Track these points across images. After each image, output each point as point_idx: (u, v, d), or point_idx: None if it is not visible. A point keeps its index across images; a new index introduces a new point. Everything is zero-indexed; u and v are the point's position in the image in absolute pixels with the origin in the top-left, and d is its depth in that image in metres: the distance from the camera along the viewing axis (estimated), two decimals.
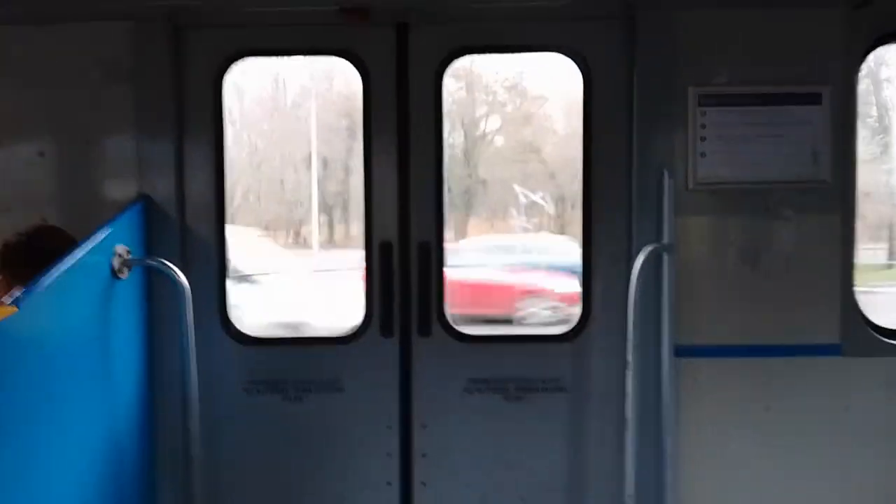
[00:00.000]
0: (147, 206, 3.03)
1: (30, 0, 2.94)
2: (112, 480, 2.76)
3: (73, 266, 2.48)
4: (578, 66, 3.14)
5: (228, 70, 3.15)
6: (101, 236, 2.68)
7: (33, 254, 2.70)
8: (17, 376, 2.18)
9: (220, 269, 3.18)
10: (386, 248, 3.15)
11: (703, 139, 3.03)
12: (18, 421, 2.20)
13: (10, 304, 2.19)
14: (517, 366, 3.18)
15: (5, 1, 2.92)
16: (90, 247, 2.61)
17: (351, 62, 3.16)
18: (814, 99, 3.01)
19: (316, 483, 3.20)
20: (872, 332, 3.12)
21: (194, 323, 2.89)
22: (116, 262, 2.75)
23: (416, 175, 3.16)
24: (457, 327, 3.20)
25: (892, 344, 3.11)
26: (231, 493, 3.19)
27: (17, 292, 2.34)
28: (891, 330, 3.16)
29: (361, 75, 3.16)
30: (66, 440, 2.47)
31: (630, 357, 2.94)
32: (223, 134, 3.17)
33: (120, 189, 3.03)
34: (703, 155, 3.03)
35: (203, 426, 2.96)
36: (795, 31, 2.99)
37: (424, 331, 3.16)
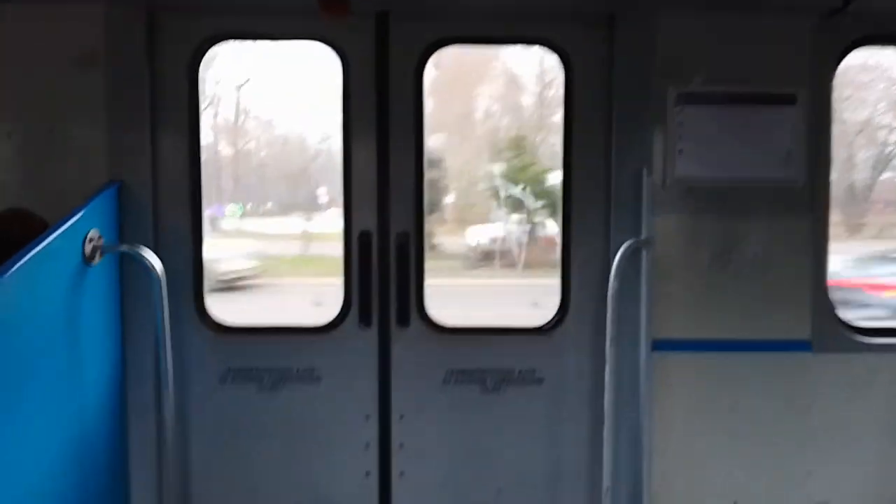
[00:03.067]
0: (120, 191, 2.98)
1: None
2: (82, 470, 2.72)
3: (43, 251, 2.44)
4: (561, 61, 3.16)
5: (205, 54, 3.11)
6: (72, 221, 2.63)
7: (2, 239, 2.65)
8: None
9: (195, 256, 3.14)
10: (365, 237, 3.14)
11: (680, 137, 3.05)
12: None
13: None
14: (495, 357, 3.20)
15: None
16: (61, 231, 2.56)
17: (331, 48, 3.13)
18: (788, 100, 3.04)
19: (293, 474, 3.19)
20: (843, 328, 3.19)
21: (169, 311, 2.86)
22: (88, 248, 2.71)
23: (395, 165, 3.15)
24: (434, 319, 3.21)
25: (862, 341, 3.18)
26: (205, 483, 3.17)
27: None
28: (862, 327, 3.23)
29: (341, 62, 3.13)
30: (31, 430, 2.43)
31: (608, 351, 2.98)
32: (199, 119, 3.12)
33: (91, 174, 2.96)
34: (680, 153, 3.05)
35: (177, 415, 2.94)
36: (771, 34, 3.02)
37: (403, 321, 3.16)
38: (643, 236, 2.99)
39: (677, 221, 3.07)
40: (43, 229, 2.62)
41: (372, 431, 3.19)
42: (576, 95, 3.15)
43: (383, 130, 3.14)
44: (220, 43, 3.13)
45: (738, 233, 3.08)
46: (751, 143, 3.05)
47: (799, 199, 3.07)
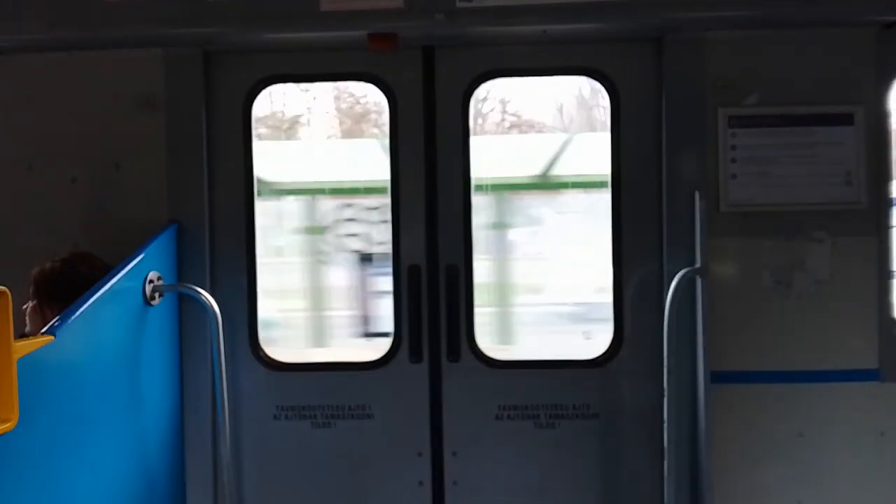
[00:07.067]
0: (178, 231, 3.06)
1: (63, 28, 2.98)
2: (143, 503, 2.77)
3: (106, 293, 2.51)
4: (606, 89, 3.14)
5: (257, 95, 3.18)
6: (133, 263, 2.71)
7: (67, 280, 2.74)
8: (51, 404, 2.21)
9: (249, 293, 3.19)
10: (414, 271, 3.15)
11: (733, 161, 2.99)
12: (51, 447, 2.22)
13: (45, 333, 2.23)
14: (548, 392, 3.14)
15: (39, 28, 2.97)
16: (123, 273, 2.64)
17: (378, 87, 3.18)
18: (845, 119, 2.97)
19: None
20: None
21: (224, 348, 2.91)
22: (149, 289, 2.78)
23: (443, 197, 3.16)
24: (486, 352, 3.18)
25: None
26: None
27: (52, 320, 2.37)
28: None
29: (388, 99, 3.17)
30: (97, 464, 2.49)
31: (667, 384, 2.90)
32: (252, 158, 3.19)
33: (150, 214, 3.05)
34: (734, 177, 2.99)
35: (232, 451, 2.96)
36: (826, 51, 2.96)
37: (454, 356, 3.14)
38: (698, 264, 2.92)
39: (733, 247, 3.00)
40: (106, 271, 2.71)
41: (425, 468, 3.16)
42: (623, 122, 3.12)
43: (431, 164, 3.15)
44: (273, 84, 3.20)
45: (799, 256, 2.99)
46: (808, 164, 2.97)
47: (861, 221, 2.97)
